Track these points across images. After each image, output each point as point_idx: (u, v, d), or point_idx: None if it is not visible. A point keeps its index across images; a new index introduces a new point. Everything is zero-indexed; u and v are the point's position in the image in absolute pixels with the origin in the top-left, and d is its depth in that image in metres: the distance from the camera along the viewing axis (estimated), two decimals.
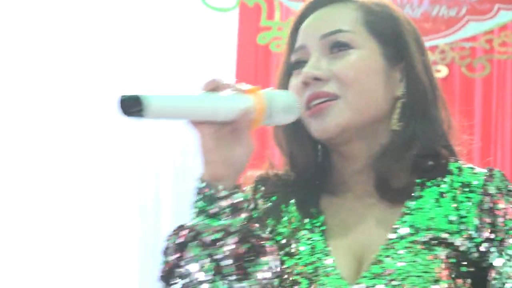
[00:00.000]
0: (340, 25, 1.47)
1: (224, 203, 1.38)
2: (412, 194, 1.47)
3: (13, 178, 4.94)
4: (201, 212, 1.39)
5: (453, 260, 1.41)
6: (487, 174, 1.47)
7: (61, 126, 4.88)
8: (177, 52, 4.69)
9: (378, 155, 1.48)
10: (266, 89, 1.42)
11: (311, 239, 1.47)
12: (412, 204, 1.46)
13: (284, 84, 1.50)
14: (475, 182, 1.46)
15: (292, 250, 1.48)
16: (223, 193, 1.38)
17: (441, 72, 4.82)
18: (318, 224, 1.49)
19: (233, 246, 1.36)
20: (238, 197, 1.39)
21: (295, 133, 1.50)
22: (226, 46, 4.64)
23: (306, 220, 1.50)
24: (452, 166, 1.48)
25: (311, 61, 1.46)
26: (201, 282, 1.37)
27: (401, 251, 1.42)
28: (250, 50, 4.53)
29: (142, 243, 4.58)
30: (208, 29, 4.67)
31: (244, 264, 1.38)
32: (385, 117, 1.47)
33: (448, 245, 1.42)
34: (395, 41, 1.48)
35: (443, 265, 1.41)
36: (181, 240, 1.38)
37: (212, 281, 1.37)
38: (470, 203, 1.45)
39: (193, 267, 1.37)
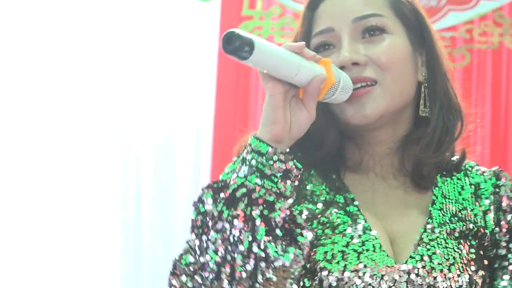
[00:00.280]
0: (373, 9, 1.46)
1: (280, 166, 1.35)
2: (437, 182, 1.50)
3: None
4: (257, 170, 1.35)
5: (480, 253, 1.46)
6: (497, 174, 1.53)
7: (44, 117, 4.86)
8: (160, 40, 4.70)
9: (408, 141, 1.48)
10: (333, 64, 1.41)
11: (350, 213, 1.46)
12: (439, 192, 1.49)
13: None
14: (488, 181, 1.51)
15: (333, 222, 1.46)
16: (281, 157, 1.35)
17: None
18: (349, 198, 1.48)
19: (287, 211, 1.33)
20: (292, 164, 1.36)
21: (324, 110, 1.47)
22: (208, 35, 4.63)
23: (333, 192, 1.49)
24: (466, 164, 1.53)
25: (345, 45, 1.44)
26: (243, 241, 1.32)
27: (440, 237, 1.44)
28: None
29: (124, 233, 4.56)
30: (191, 18, 4.67)
31: (289, 229, 1.34)
32: (411, 102, 1.47)
33: (477, 237, 1.46)
34: (418, 25, 1.48)
35: (475, 256, 1.45)
36: (229, 194, 1.34)
37: (261, 243, 1.32)
38: (488, 201, 1.50)
39: (238, 224, 1.32)
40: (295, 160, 1.36)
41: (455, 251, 1.44)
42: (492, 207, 1.51)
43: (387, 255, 1.41)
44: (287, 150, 1.37)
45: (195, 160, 4.57)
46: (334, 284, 1.40)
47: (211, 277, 1.32)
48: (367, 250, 1.41)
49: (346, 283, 1.40)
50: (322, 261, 1.42)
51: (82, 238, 4.75)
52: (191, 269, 1.32)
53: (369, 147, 1.49)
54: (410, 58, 1.47)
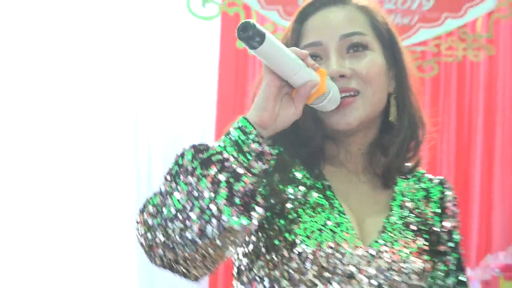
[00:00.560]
0: (357, 28, 1.54)
1: (257, 147, 1.42)
2: (396, 183, 1.60)
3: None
4: (236, 144, 1.42)
5: (432, 243, 1.56)
6: (442, 181, 1.64)
7: (58, 122, 4.94)
8: (165, 55, 4.85)
9: (377, 145, 1.57)
10: (329, 77, 1.49)
11: (328, 197, 1.53)
12: (399, 191, 1.59)
13: None
14: (437, 188, 1.63)
15: (311, 202, 1.52)
16: (260, 140, 1.42)
17: None
18: (327, 185, 1.55)
19: (250, 186, 1.39)
20: (268, 149, 1.43)
21: (310, 112, 1.53)
22: (209, 49, 4.83)
23: (313, 179, 1.55)
24: (420, 171, 1.63)
25: (333, 59, 1.51)
26: (207, 198, 1.36)
27: (400, 229, 1.54)
28: (231, 53, 4.72)
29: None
30: (194, 35, 4.87)
31: (246, 201, 1.39)
32: (382, 110, 1.56)
33: (429, 233, 1.57)
34: (391, 44, 1.57)
35: (427, 247, 1.54)
36: (207, 156, 1.39)
37: (217, 203, 1.36)
38: (435, 204, 1.61)
39: (204, 184, 1.37)
40: (271, 147, 1.43)
41: (412, 241, 1.54)
42: (437, 209, 1.62)
43: (357, 237, 1.50)
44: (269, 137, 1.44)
45: None
46: (310, 257, 1.47)
47: (168, 218, 1.37)
48: (341, 230, 1.49)
49: (321, 256, 1.47)
50: (302, 236, 1.48)
51: (96, 235, 4.83)
52: (155, 209, 1.38)
53: (345, 146, 1.57)
54: (385, 72, 1.55)
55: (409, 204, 1.58)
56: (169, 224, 1.36)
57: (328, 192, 1.53)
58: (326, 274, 1.47)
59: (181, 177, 1.37)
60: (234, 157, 1.41)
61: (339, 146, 1.58)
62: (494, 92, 5.02)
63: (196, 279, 1.44)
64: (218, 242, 1.37)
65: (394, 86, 1.56)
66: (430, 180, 1.63)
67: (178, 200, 1.36)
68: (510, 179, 5.01)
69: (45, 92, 4.94)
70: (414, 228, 1.55)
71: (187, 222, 1.35)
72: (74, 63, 4.89)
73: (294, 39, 1.55)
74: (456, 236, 1.62)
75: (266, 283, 1.50)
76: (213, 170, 1.37)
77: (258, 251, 1.52)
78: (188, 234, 1.35)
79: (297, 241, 1.47)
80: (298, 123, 1.50)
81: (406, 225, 1.55)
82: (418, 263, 1.51)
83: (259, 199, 1.40)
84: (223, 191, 1.36)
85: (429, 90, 5.03)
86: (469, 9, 4.97)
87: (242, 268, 1.55)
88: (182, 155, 1.39)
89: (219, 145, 1.42)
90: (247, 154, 1.42)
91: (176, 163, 1.39)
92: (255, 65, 4.78)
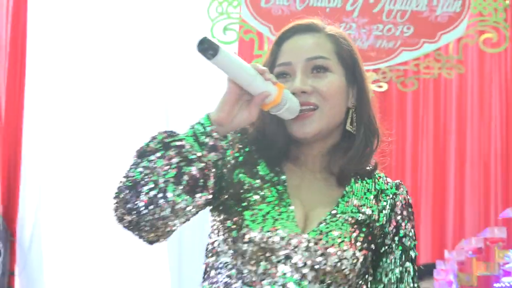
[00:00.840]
0: (322, 53, 1.58)
1: (210, 141, 1.49)
2: (350, 182, 1.60)
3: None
4: (194, 135, 1.49)
5: (368, 238, 1.56)
6: (397, 185, 1.63)
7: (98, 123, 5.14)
8: (193, 70, 5.09)
9: (336, 149, 1.59)
10: (287, 90, 1.54)
11: (278, 190, 1.57)
12: (350, 189, 1.59)
13: None
14: (390, 190, 1.62)
15: (263, 194, 1.56)
16: (214, 134, 1.49)
17: (382, 87, 5.34)
18: (282, 180, 1.58)
19: (197, 170, 1.45)
20: (221, 143, 1.50)
21: (275, 120, 1.58)
22: None
23: (272, 175, 1.59)
24: (376, 174, 1.63)
25: (298, 78, 1.56)
26: (161, 175, 1.44)
27: (339, 221, 1.55)
28: None
29: None
30: None
31: (192, 184, 1.45)
32: (341, 123, 1.59)
33: (368, 227, 1.56)
34: (353, 66, 1.60)
35: (363, 239, 1.54)
36: (168, 141, 1.47)
37: (167, 181, 1.44)
38: (386, 203, 1.60)
39: (162, 162, 1.45)
40: (223, 142, 1.49)
41: (347, 232, 1.54)
42: (387, 208, 1.61)
43: (296, 225, 1.53)
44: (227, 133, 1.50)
45: None
46: (254, 239, 1.51)
47: (127, 187, 1.45)
48: (282, 218, 1.53)
49: (262, 239, 1.51)
50: (248, 220, 1.53)
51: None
52: (123, 178, 1.47)
53: (306, 149, 1.61)
54: (344, 91, 1.58)
55: (356, 202, 1.58)
56: (127, 191, 1.45)
57: (279, 187, 1.57)
58: (266, 255, 1.50)
59: (147, 154, 1.46)
60: (190, 145, 1.47)
61: (301, 148, 1.61)
62: (464, 103, 5.36)
63: (150, 242, 1.52)
64: (163, 213, 1.44)
65: (353, 102, 1.60)
66: (386, 183, 1.62)
67: (139, 173, 1.45)
68: (478, 176, 5.32)
69: (83, 93, 5.17)
70: (353, 222, 1.55)
71: (141, 193, 1.43)
72: (117, 68, 5.16)
73: (272, 58, 1.60)
74: (403, 232, 1.60)
75: (228, 258, 1.55)
76: (170, 152, 1.45)
77: (218, 231, 1.58)
78: (140, 202, 1.43)
79: (244, 224, 1.52)
80: (266, 129, 1.58)
81: (347, 219, 1.55)
82: (349, 252, 1.51)
83: (209, 184, 1.46)
84: (173, 171, 1.43)
85: (411, 102, 5.40)
86: (442, 35, 5.35)
87: (210, 246, 1.60)
88: (152, 138, 1.48)
89: (184, 134, 1.48)
90: (202, 146, 1.48)
91: (146, 143, 1.48)
92: None
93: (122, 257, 5.00)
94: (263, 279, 1.50)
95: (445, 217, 5.28)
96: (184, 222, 1.50)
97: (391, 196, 1.61)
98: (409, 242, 1.60)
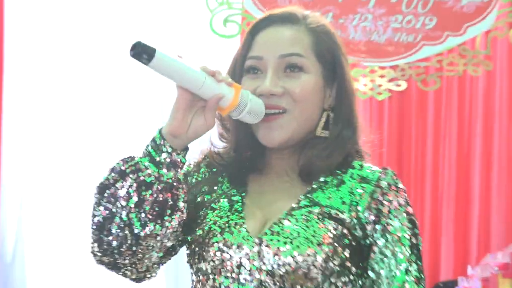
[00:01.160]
0: (297, 49, 1.55)
1: (166, 157, 1.48)
2: (318, 178, 1.57)
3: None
4: (148, 155, 1.49)
5: (338, 232, 1.50)
6: (381, 172, 1.57)
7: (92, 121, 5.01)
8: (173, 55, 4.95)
9: (303, 149, 1.57)
10: (247, 91, 1.52)
11: (233, 200, 1.58)
12: (316, 185, 1.57)
13: (233, 78, 1.56)
14: (371, 177, 1.56)
15: (215, 206, 1.58)
16: (169, 149, 1.48)
17: (401, 86, 5.15)
18: (241, 191, 1.60)
19: (157, 192, 1.46)
20: (178, 158, 1.49)
21: (243, 126, 1.58)
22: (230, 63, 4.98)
23: (233, 187, 1.61)
24: (355, 164, 1.59)
25: (268, 78, 1.54)
26: (122, 207, 1.45)
27: (298, 218, 1.52)
28: None
29: None
30: (216, 51, 5.00)
31: (157, 209, 1.46)
32: (314, 125, 1.58)
33: (337, 220, 1.52)
34: (334, 64, 1.58)
35: (328, 234, 1.49)
36: (124, 168, 1.48)
37: (130, 211, 1.45)
38: (363, 192, 1.54)
39: (121, 192, 1.46)
40: (181, 155, 1.49)
41: (306, 228, 1.50)
42: (367, 196, 1.55)
43: (247, 231, 1.52)
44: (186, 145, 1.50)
45: None
46: (199, 251, 1.54)
47: (96, 225, 1.48)
48: (228, 227, 1.53)
49: (208, 246, 1.53)
50: (198, 230, 1.55)
51: None
52: (91, 222, 1.50)
53: (276, 155, 1.61)
54: (319, 92, 1.56)
55: (321, 196, 1.55)
56: (97, 233, 1.48)
57: (234, 197, 1.58)
58: (218, 267, 1.51)
59: (106, 188, 1.47)
60: (145, 167, 1.47)
61: (270, 154, 1.62)
62: (491, 103, 5.16)
63: (137, 281, 1.56)
64: (134, 248, 1.46)
65: (330, 103, 1.58)
66: (370, 171, 1.58)
67: (101, 211, 1.47)
68: (507, 183, 5.19)
69: (67, 98, 5.01)
70: (317, 216, 1.52)
71: (110, 232, 1.46)
72: (112, 72, 5.02)
73: (245, 49, 1.58)
74: (385, 219, 1.54)
75: (194, 270, 1.58)
76: (127, 180, 1.46)
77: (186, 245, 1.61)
78: (112, 242, 1.46)
79: (195, 234, 1.55)
80: (233, 136, 1.58)
81: (307, 214, 1.53)
82: (306, 250, 1.47)
83: (179, 204, 1.48)
84: (133, 199, 1.44)
85: (432, 102, 5.23)
86: (468, 28, 5.09)
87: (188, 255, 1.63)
88: (111, 168, 1.49)
89: (139, 157, 1.49)
90: (158, 164, 1.47)
91: (106, 176, 1.49)
92: None
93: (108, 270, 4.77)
94: None
95: (469, 229, 5.18)
96: (163, 252, 1.51)
97: (373, 183, 1.55)
98: (398, 229, 1.52)
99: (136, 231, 1.45)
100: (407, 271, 1.51)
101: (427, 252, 5.06)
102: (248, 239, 1.51)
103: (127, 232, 1.45)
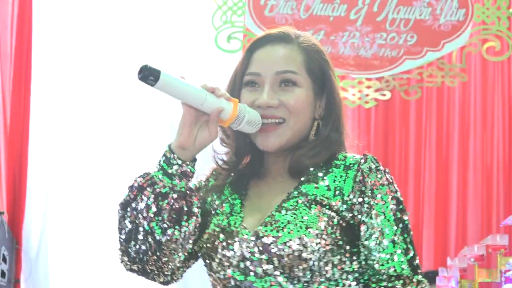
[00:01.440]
0: (291, 67, 1.59)
1: (177, 168, 1.53)
2: (307, 173, 1.60)
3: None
4: (161, 169, 1.54)
5: (326, 216, 1.54)
6: (362, 158, 1.59)
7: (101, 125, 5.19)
8: (196, 78, 5.03)
9: (294, 152, 1.60)
10: (244, 104, 1.56)
11: (233, 204, 1.62)
12: (304, 178, 1.60)
13: (234, 91, 1.61)
14: (352, 163, 1.58)
15: (218, 211, 1.63)
16: (179, 161, 1.53)
17: (386, 95, 5.42)
18: (241, 195, 1.63)
19: (173, 200, 1.52)
20: (188, 168, 1.54)
21: (242, 135, 1.61)
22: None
23: (235, 192, 1.64)
24: (339, 155, 1.61)
25: (265, 92, 1.58)
26: (144, 218, 1.51)
27: (287, 207, 1.56)
28: None
29: None
30: (220, 64, 5.21)
31: (175, 216, 1.52)
32: (306, 133, 1.62)
33: (324, 205, 1.55)
34: (322, 79, 1.62)
35: (316, 218, 1.53)
36: (142, 183, 1.53)
37: (150, 221, 1.51)
38: (346, 177, 1.57)
39: (142, 205, 1.52)
40: (190, 166, 1.54)
41: (296, 216, 1.54)
42: (350, 181, 1.57)
43: (245, 228, 1.56)
44: (194, 156, 1.54)
45: None
46: (208, 251, 1.58)
47: (123, 237, 1.54)
48: (229, 226, 1.58)
49: (213, 246, 1.57)
50: (204, 234, 1.60)
51: None
52: (119, 236, 1.56)
53: (270, 156, 1.64)
54: (310, 104, 1.60)
55: (308, 187, 1.58)
56: (125, 244, 1.55)
57: (234, 201, 1.62)
58: (226, 263, 1.56)
59: (128, 204, 1.54)
60: (160, 179, 1.53)
61: (267, 158, 1.65)
62: (467, 111, 5.43)
63: (165, 283, 1.62)
64: (158, 253, 1.53)
65: (320, 113, 1.62)
66: (352, 158, 1.60)
67: (127, 224, 1.53)
68: (481, 184, 5.38)
69: (89, 100, 5.23)
70: (306, 203, 1.55)
71: (136, 241, 1.53)
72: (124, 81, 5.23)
73: (244, 65, 1.61)
74: (369, 199, 1.56)
75: (208, 270, 1.62)
76: (146, 193, 1.52)
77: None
78: (138, 250, 1.53)
79: (201, 241, 1.60)
80: (234, 143, 1.62)
81: (296, 203, 1.56)
82: (297, 234, 1.51)
83: (194, 209, 1.54)
84: (153, 209, 1.51)
85: (414, 110, 5.47)
86: (446, 44, 5.42)
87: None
88: (130, 186, 1.54)
89: (153, 171, 1.55)
90: (171, 176, 1.53)
91: (126, 194, 1.55)
92: None
93: None
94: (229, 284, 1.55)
95: (448, 225, 5.35)
96: (185, 255, 1.57)
97: (355, 168, 1.58)
98: (382, 206, 1.55)
99: (158, 237, 1.51)
100: (394, 244, 1.54)
101: None
102: (247, 234, 1.55)
103: (150, 240, 1.52)
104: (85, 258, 5.19)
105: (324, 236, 1.51)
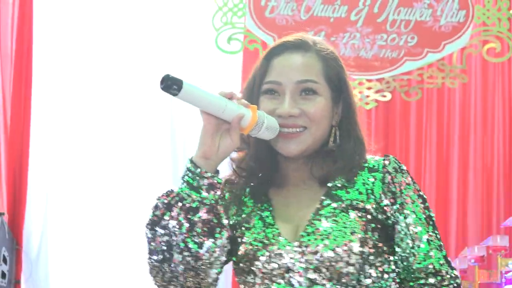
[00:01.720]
0: (311, 76, 1.60)
1: (205, 181, 1.53)
2: (335, 181, 1.61)
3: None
4: (187, 183, 1.53)
5: (364, 219, 1.56)
6: (384, 159, 1.62)
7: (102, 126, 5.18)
8: (198, 79, 4.90)
9: (317, 155, 1.62)
10: (261, 110, 1.57)
11: (262, 217, 1.62)
12: (332, 184, 1.61)
13: (251, 98, 1.61)
14: (376, 165, 1.61)
15: (249, 225, 1.61)
16: (205, 174, 1.53)
17: (386, 97, 5.41)
18: (267, 206, 1.63)
19: (204, 214, 1.51)
20: (214, 180, 1.54)
21: (262, 142, 1.61)
22: (233, 77, 5.20)
23: (258, 204, 1.64)
24: (361, 159, 1.63)
25: (286, 101, 1.59)
26: (177, 235, 1.50)
27: (326, 215, 1.57)
28: None
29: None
30: (220, 65, 5.28)
31: (206, 229, 1.51)
32: (325, 140, 1.63)
33: (360, 209, 1.57)
34: (339, 86, 1.64)
35: (356, 223, 1.55)
36: (168, 201, 1.52)
37: (185, 237, 1.50)
38: (375, 180, 1.59)
39: (173, 222, 1.50)
40: (216, 177, 1.53)
41: (336, 223, 1.55)
42: (378, 183, 1.60)
43: (286, 239, 1.56)
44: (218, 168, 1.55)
45: None
46: (252, 268, 1.57)
47: (156, 258, 1.52)
48: (268, 239, 1.57)
49: (254, 261, 1.57)
50: (241, 249, 1.59)
51: (132, 233, 4.90)
52: (151, 258, 1.54)
53: (290, 164, 1.64)
54: (329, 111, 1.61)
55: (339, 193, 1.60)
56: (159, 265, 1.53)
57: (265, 212, 1.63)
58: (269, 277, 1.55)
59: (156, 223, 1.52)
60: (187, 194, 1.52)
61: (286, 166, 1.65)
62: (467, 112, 5.43)
63: None
64: (196, 268, 1.53)
65: (337, 120, 1.63)
66: (374, 160, 1.63)
67: (159, 244, 1.51)
68: (481, 185, 5.38)
69: (90, 101, 5.23)
70: (341, 209, 1.57)
71: (171, 260, 1.51)
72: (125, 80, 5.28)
73: (261, 73, 1.61)
74: (401, 200, 1.59)
75: (242, 284, 1.62)
76: (174, 210, 1.51)
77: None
78: (176, 269, 1.52)
79: (237, 257, 1.60)
80: (256, 155, 1.63)
81: (332, 211, 1.58)
82: (342, 241, 1.53)
83: (223, 220, 1.53)
84: (185, 225, 1.49)
85: (414, 111, 5.49)
86: (446, 45, 5.42)
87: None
88: (155, 206, 1.54)
89: (179, 187, 1.54)
90: (198, 189, 1.52)
91: (152, 213, 1.53)
92: None
93: (130, 266, 4.98)
94: None
95: (448, 226, 5.35)
96: (220, 268, 1.56)
97: (380, 170, 1.60)
98: (412, 205, 1.58)
99: (194, 252, 1.50)
100: (429, 241, 1.57)
101: None
102: (288, 245, 1.55)
103: (187, 255, 1.51)
104: (86, 259, 5.20)
105: (367, 239, 1.54)
